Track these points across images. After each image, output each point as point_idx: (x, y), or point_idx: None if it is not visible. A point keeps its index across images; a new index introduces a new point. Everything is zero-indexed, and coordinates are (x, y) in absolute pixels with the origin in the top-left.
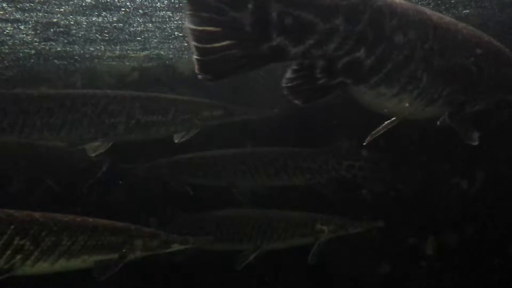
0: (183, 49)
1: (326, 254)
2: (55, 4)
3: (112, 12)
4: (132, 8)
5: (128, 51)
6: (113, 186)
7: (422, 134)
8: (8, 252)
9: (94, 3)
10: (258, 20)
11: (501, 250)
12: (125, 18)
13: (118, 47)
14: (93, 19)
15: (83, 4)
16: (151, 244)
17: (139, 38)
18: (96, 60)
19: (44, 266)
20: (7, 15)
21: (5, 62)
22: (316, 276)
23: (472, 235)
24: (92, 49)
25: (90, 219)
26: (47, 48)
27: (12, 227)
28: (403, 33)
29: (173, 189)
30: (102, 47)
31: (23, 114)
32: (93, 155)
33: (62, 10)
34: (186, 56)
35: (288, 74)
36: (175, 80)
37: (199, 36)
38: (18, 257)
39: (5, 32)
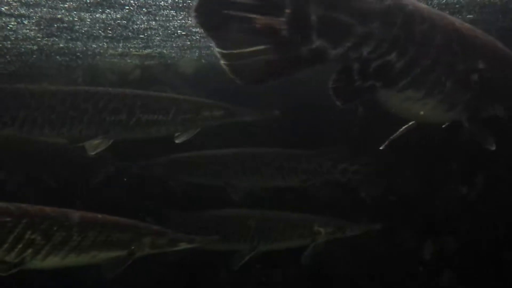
0: (185, 48)
1: (325, 255)
2: (59, 0)
3: (116, 9)
4: (136, 6)
5: (131, 49)
6: (111, 184)
7: (422, 137)
8: (20, 246)
9: (98, 0)
10: (297, 23)
11: (500, 253)
12: (128, 16)
13: (120, 44)
14: (97, 15)
15: (88, 0)
16: (159, 242)
17: (142, 36)
18: (98, 57)
19: (54, 261)
20: (12, 10)
21: (7, 57)
22: (315, 277)
23: (471, 238)
24: (95, 46)
25: (100, 216)
26: (50, 44)
27: (24, 221)
28: (431, 37)
29: (172, 188)
30: (105, 44)
31: (25, 110)
32: (93, 153)
33: (67, 6)
34: (189, 55)
35: (333, 76)
36: (176, 79)
37: (229, 41)
38: (29, 251)
39: (8, 27)
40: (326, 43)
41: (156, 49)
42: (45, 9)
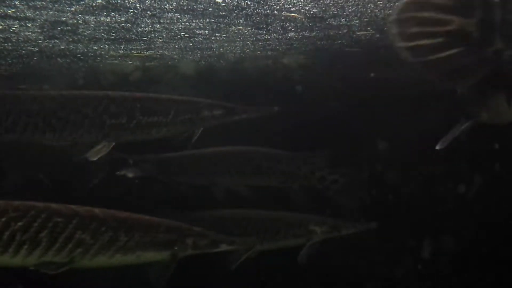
0: (187, 49)
1: (324, 256)
2: (66, 3)
3: (120, 12)
4: (141, 9)
5: (132, 51)
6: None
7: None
8: (69, 245)
9: (104, 3)
10: (486, 25)
11: (500, 253)
12: (133, 19)
13: (122, 46)
14: (102, 18)
15: (94, 4)
16: (201, 243)
17: (145, 38)
18: (98, 59)
19: (102, 260)
20: (17, 13)
21: (8, 59)
22: (315, 277)
23: (469, 238)
24: (96, 47)
25: (146, 217)
26: (51, 46)
27: (74, 221)
28: None
29: (169, 188)
30: (106, 46)
31: (25, 115)
32: (95, 159)
33: (73, 9)
34: (191, 57)
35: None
36: (177, 80)
37: (424, 49)
38: (78, 250)
39: (11, 30)
40: (504, 45)
41: (158, 51)
42: (51, 12)
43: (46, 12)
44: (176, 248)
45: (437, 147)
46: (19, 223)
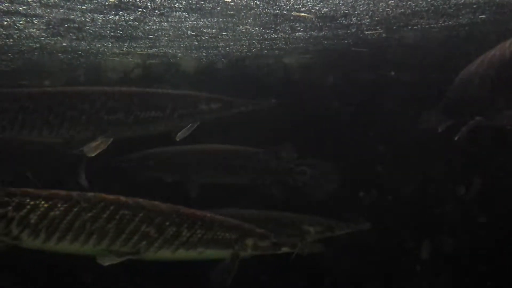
0: (192, 47)
1: (325, 255)
2: (78, 2)
3: (129, 11)
4: (150, 7)
5: (136, 48)
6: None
7: (421, 139)
8: (135, 237)
9: (116, 2)
10: None
11: (499, 253)
12: (141, 17)
13: (126, 44)
14: (110, 17)
15: (106, 3)
16: (261, 244)
17: (151, 36)
18: (100, 55)
19: (166, 254)
20: (28, 10)
21: (9, 54)
22: (315, 277)
23: (468, 239)
24: (99, 45)
25: (208, 214)
26: (53, 42)
27: (141, 214)
28: None
29: (170, 187)
30: (110, 43)
31: (23, 113)
32: (93, 155)
33: (84, 7)
34: (195, 55)
35: None
36: (178, 77)
37: None
38: (143, 243)
39: (15, 26)
40: None
41: (162, 49)
42: (61, 10)
43: (56, 10)
44: (236, 247)
45: (455, 139)
46: (89, 214)
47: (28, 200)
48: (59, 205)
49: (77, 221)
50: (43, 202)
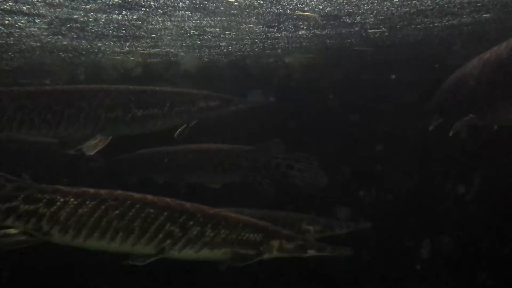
0: (195, 47)
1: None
2: (82, 1)
3: (133, 10)
4: (154, 7)
5: (138, 48)
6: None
7: (421, 139)
8: (160, 236)
9: (120, 1)
10: None
11: (499, 253)
12: (144, 17)
13: (128, 43)
14: (113, 16)
15: (110, 2)
16: (287, 246)
17: (154, 36)
18: (100, 54)
19: (190, 253)
20: (32, 9)
21: (10, 53)
22: (315, 277)
23: (468, 238)
24: (100, 44)
25: (233, 215)
26: (53, 41)
27: (165, 213)
28: None
29: (170, 187)
30: (112, 42)
31: (21, 111)
32: (92, 153)
33: (88, 7)
34: (198, 54)
35: None
36: (178, 76)
37: None
38: (168, 241)
39: (17, 25)
40: None
41: (164, 48)
42: (65, 10)
43: (60, 9)
44: (261, 249)
45: (450, 134)
46: (116, 212)
47: (58, 197)
48: (87, 202)
49: (104, 219)
50: (72, 199)
